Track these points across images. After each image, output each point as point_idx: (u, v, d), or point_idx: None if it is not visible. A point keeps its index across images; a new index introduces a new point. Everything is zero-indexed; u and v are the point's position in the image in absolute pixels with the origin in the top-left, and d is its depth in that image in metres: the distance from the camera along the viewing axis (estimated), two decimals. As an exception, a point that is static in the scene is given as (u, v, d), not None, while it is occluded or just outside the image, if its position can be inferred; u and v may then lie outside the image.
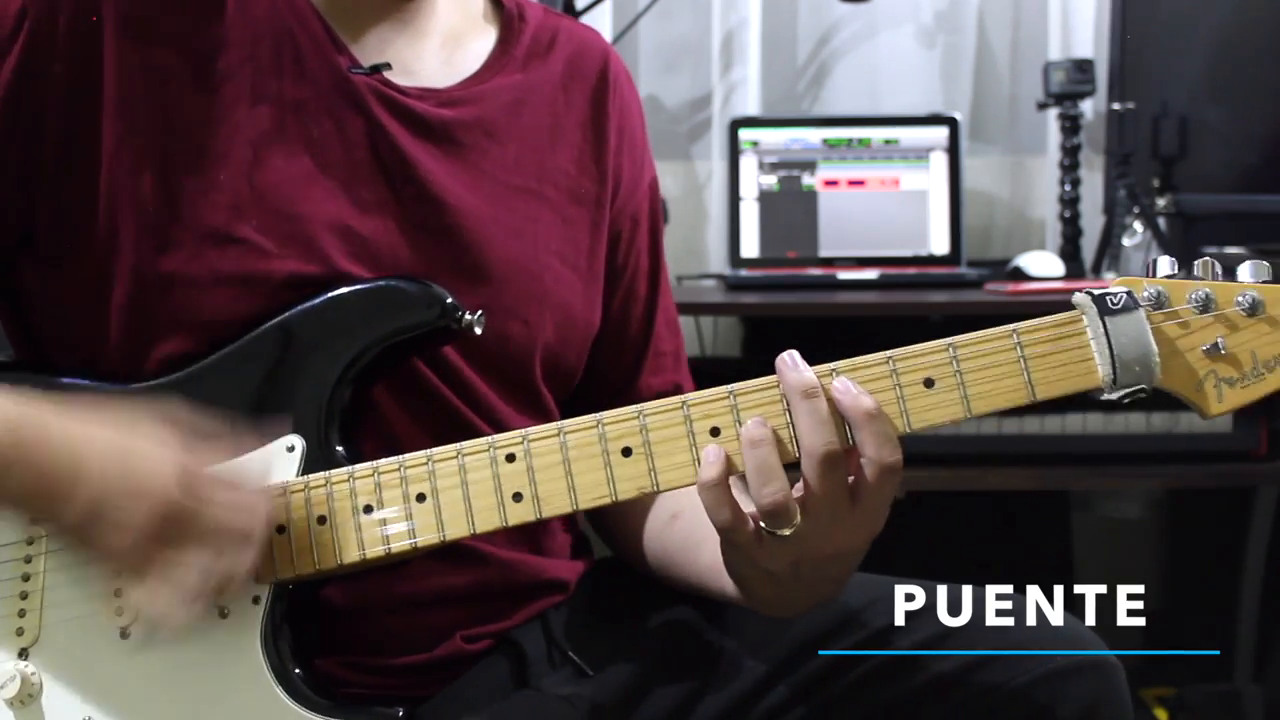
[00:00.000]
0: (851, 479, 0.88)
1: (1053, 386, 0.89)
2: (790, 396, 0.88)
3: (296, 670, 0.94)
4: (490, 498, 0.92)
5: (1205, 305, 0.88)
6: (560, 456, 0.92)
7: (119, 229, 0.97)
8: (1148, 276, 0.90)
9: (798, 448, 0.88)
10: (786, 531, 0.88)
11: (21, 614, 0.94)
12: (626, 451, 0.91)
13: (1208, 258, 0.89)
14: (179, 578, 0.86)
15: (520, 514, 0.92)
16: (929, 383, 0.89)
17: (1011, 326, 0.89)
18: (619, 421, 0.91)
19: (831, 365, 0.89)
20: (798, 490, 0.88)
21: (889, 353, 0.90)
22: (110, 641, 0.94)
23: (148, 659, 0.94)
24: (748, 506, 0.89)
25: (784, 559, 0.90)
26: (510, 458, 0.92)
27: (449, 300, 0.99)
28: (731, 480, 0.89)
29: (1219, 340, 0.87)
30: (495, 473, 0.92)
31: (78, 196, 0.97)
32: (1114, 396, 0.88)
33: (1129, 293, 0.88)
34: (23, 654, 0.94)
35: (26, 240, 0.99)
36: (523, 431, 0.93)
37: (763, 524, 0.88)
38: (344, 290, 0.99)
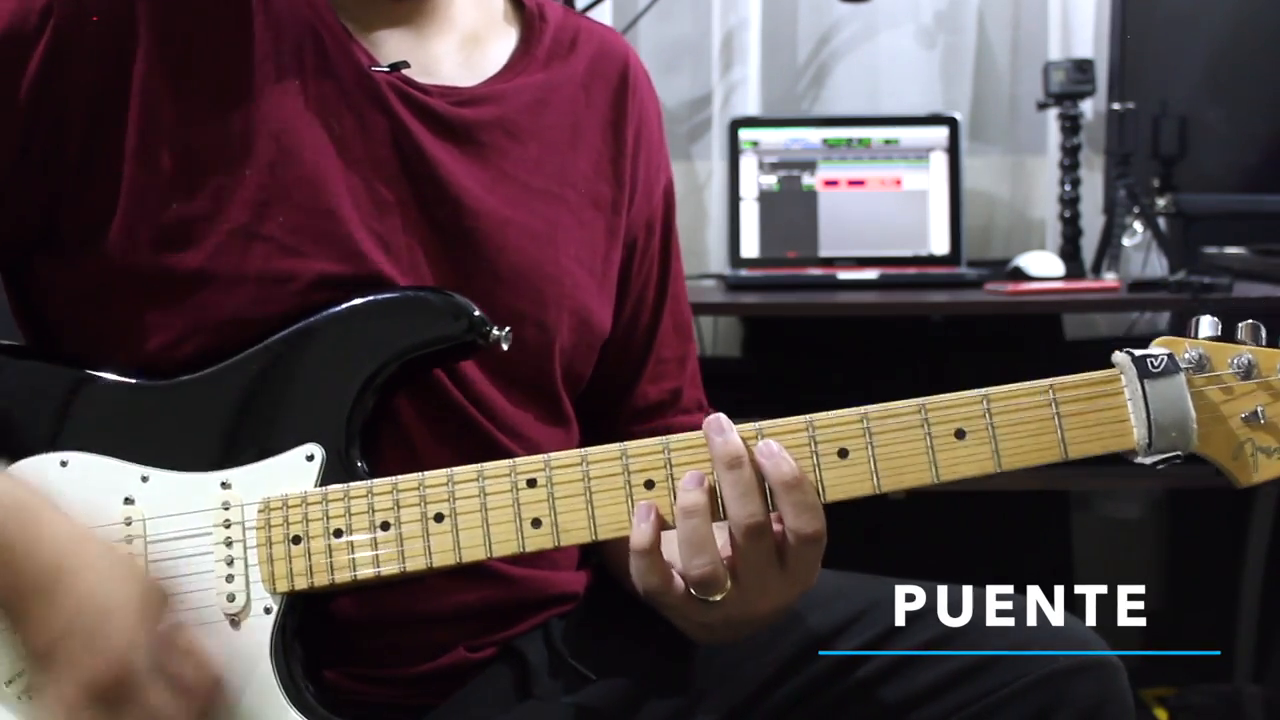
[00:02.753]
0: (779, 543, 0.89)
1: (1086, 446, 0.87)
2: (716, 465, 0.88)
3: (305, 682, 0.94)
4: (509, 523, 0.91)
5: (1248, 371, 0.86)
6: (582, 485, 0.91)
7: (143, 226, 0.96)
8: (1189, 337, 0.88)
9: (724, 512, 0.88)
10: (717, 598, 0.89)
11: (22, 658, 0.93)
12: (649, 484, 0.90)
13: (1253, 321, 0.87)
14: None
15: (538, 540, 0.91)
16: (960, 434, 0.88)
17: (1048, 382, 0.88)
18: (643, 454, 0.91)
19: (863, 409, 0.88)
20: (726, 551, 0.89)
21: (920, 400, 0.88)
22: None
23: None
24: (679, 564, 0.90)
25: (715, 616, 0.91)
26: (531, 483, 0.92)
27: (476, 314, 0.98)
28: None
29: (1259, 408, 0.86)
30: (515, 497, 0.92)
31: (102, 193, 0.97)
32: (1148, 461, 0.87)
33: (1170, 355, 0.86)
34: None
35: (47, 235, 0.99)
36: (545, 456, 0.92)
37: (693, 590, 0.89)
38: (369, 299, 0.98)
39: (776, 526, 0.89)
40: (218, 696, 0.90)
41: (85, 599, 0.85)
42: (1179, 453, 0.86)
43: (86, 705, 0.84)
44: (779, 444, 0.88)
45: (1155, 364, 0.86)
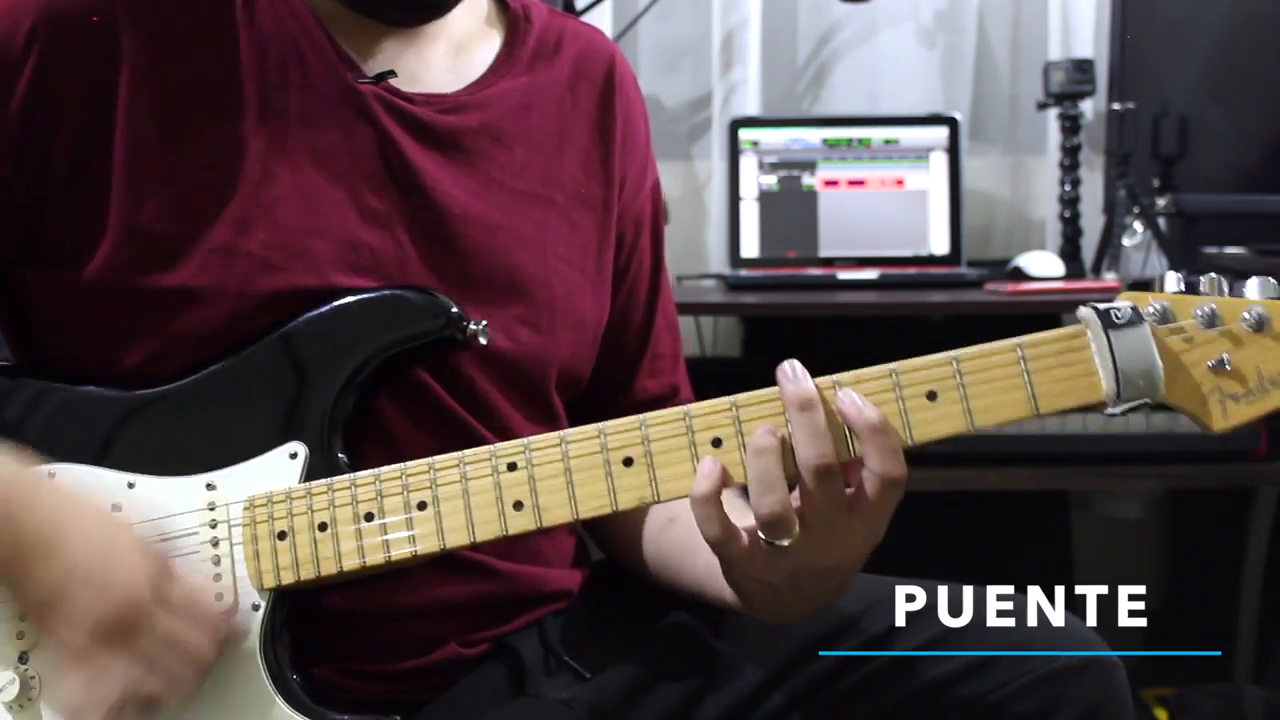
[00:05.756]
0: (851, 491, 0.88)
1: (1056, 400, 0.88)
2: (788, 408, 0.88)
3: (294, 676, 0.94)
4: (491, 507, 0.92)
5: (1211, 320, 0.87)
6: (562, 466, 0.91)
7: (127, 245, 0.97)
8: (1154, 291, 0.89)
9: (794, 459, 0.88)
10: (785, 542, 0.88)
11: (23, 617, 0.94)
12: (628, 461, 0.91)
13: (1214, 274, 0.89)
14: (106, 686, 0.87)
15: (521, 523, 0.92)
16: (931, 395, 0.88)
17: (1015, 340, 0.89)
18: (621, 431, 0.91)
19: (834, 377, 0.89)
20: (795, 500, 0.88)
21: (891, 365, 0.89)
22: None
23: None
24: (742, 520, 0.89)
25: (781, 570, 0.90)
26: (512, 466, 0.92)
27: (454, 310, 0.99)
28: (727, 494, 0.89)
29: (1224, 356, 0.86)
30: (496, 481, 0.92)
31: (88, 213, 0.97)
32: (1117, 410, 0.88)
33: (1134, 307, 0.87)
34: (23, 657, 0.94)
35: (32, 249, 1.00)
36: (524, 440, 0.92)
37: (761, 534, 0.88)
38: (349, 299, 0.98)
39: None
40: (215, 651, 0.91)
41: (85, 545, 0.88)
42: (1147, 399, 0.87)
43: (95, 644, 0.86)
44: (859, 392, 0.88)
45: (1119, 315, 0.87)
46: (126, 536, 0.90)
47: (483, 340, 1.00)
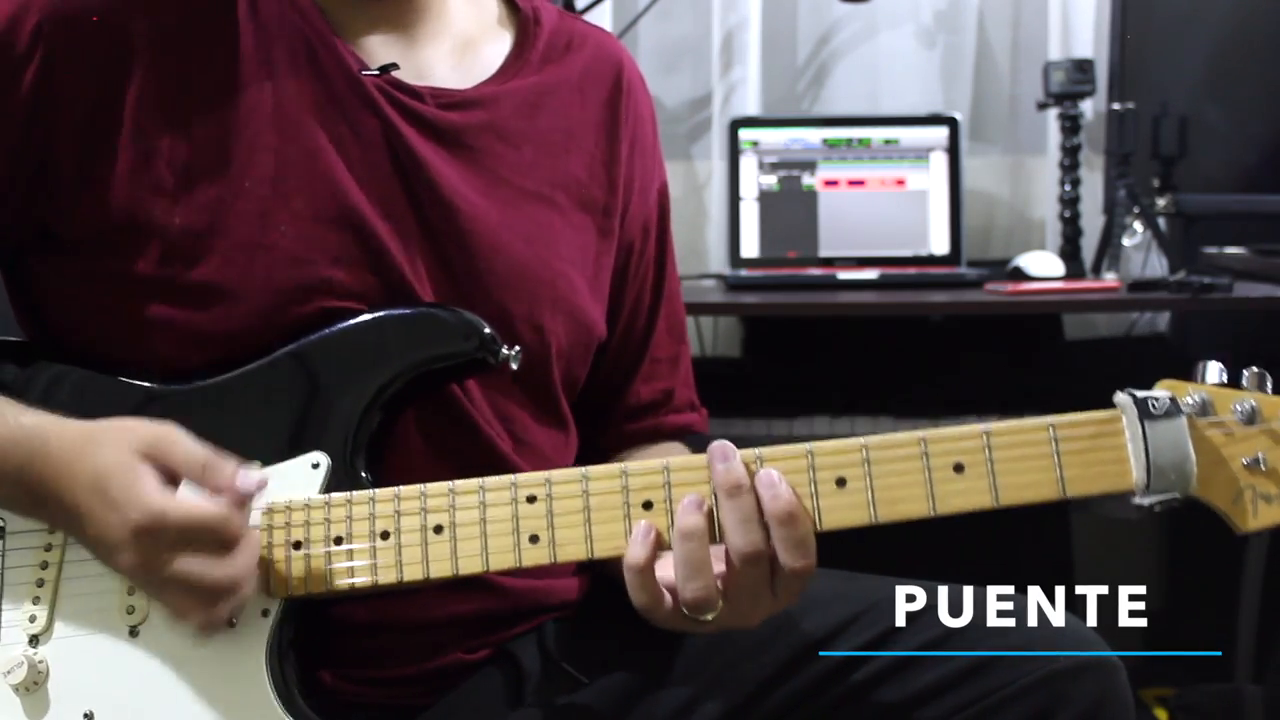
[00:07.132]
0: (772, 568, 0.89)
1: (1084, 485, 0.87)
2: (717, 492, 0.89)
3: (298, 686, 0.94)
4: (507, 536, 0.92)
5: (1251, 417, 0.86)
6: (581, 503, 0.92)
7: (145, 243, 0.97)
8: (1194, 381, 0.88)
9: (723, 538, 0.89)
10: (708, 618, 0.90)
11: (36, 601, 0.95)
12: (648, 505, 0.91)
13: (1257, 369, 0.87)
14: (175, 594, 0.88)
15: (535, 556, 0.92)
16: (959, 468, 0.88)
17: (1049, 420, 0.88)
18: (643, 474, 0.91)
19: (862, 441, 0.89)
20: (719, 569, 0.89)
21: (922, 433, 0.89)
22: (119, 638, 0.95)
23: (153, 658, 0.94)
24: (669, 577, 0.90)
25: (704, 630, 0.93)
26: (531, 499, 0.92)
27: (487, 331, 0.99)
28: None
29: (1260, 455, 0.86)
30: (515, 512, 0.92)
31: (97, 208, 0.97)
32: (1145, 502, 0.87)
33: (1173, 398, 0.86)
34: (33, 641, 0.95)
35: (45, 242, 1.00)
36: (546, 474, 0.93)
37: (685, 610, 0.90)
38: (381, 314, 0.99)
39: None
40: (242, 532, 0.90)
41: (91, 481, 0.88)
42: (1176, 495, 0.87)
43: (145, 567, 0.88)
44: (779, 474, 0.88)
45: (1156, 406, 0.86)
46: (118, 456, 0.89)
47: (514, 366, 1.00)
